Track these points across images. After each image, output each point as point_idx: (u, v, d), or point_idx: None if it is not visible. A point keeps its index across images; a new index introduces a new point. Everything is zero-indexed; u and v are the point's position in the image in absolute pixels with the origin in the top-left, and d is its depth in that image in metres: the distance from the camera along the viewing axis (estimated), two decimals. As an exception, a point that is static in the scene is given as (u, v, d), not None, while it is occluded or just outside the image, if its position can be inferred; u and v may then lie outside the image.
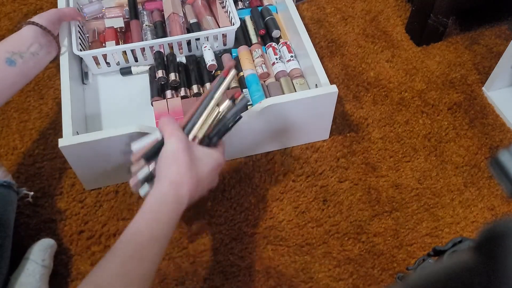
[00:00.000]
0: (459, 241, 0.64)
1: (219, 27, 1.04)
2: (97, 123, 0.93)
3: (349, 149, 0.94)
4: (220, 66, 1.00)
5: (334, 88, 0.84)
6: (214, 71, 0.99)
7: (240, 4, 1.13)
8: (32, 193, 0.80)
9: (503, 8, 1.18)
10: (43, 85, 1.01)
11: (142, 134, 0.78)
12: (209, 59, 0.98)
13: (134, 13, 1.05)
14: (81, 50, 0.94)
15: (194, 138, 0.68)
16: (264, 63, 0.99)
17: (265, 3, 1.12)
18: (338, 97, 0.86)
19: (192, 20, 1.05)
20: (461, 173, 0.91)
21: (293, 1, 1.04)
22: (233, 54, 1.03)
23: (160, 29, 1.03)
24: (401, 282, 0.71)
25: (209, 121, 0.69)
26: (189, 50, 1.02)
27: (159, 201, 0.60)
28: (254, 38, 1.05)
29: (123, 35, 1.05)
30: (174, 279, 0.78)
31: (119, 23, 1.04)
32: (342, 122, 0.98)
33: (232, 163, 0.91)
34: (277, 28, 1.03)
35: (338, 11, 1.18)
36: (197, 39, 1.00)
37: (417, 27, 1.10)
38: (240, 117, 0.70)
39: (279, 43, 1.02)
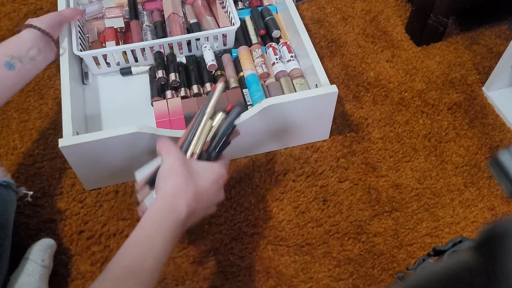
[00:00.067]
0: (459, 241, 0.64)
1: (219, 27, 1.04)
2: (97, 123, 0.93)
3: (349, 149, 0.94)
4: (220, 66, 1.00)
5: (334, 88, 0.84)
6: (214, 71, 0.99)
7: (240, 4, 1.13)
8: (31, 192, 0.79)
9: (503, 8, 1.18)
10: (43, 85, 1.01)
11: (142, 134, 0.78)
12: (209, 59, 0.98)
13: (134, 13, 1.05)
14: (81, 50, 0.94)
15: (192, 154, 0.68)
16: (264, 63, 0.99)
17: (265, 3, 1.12)
18: (338, 97, 0.86)
19: (192, 20, 1.05)
20: (461, 173, 0.91)
21: (293, 1, 1.05)
22: (233, 54, 1.03)
23: (160, 29, 1.03)
24: (401, 282, 0.71)
25: (204, 136, 0.69)
26: (189, 50, 1.02)
27: (154, 215, 0.60)
28: (254, 38, 1.05)
29: (123, 35, 1.05)
30: (174, 279, 0.78)
31: (119, 23, 1.04)
32: (342, 122, 0.98)
33: (232, 163, 0.91)
34: (277, 28, 1.03)
35: (338, 11, 1.18)
36: (197, 39, 1.00)
37: (417, 27, 1.10)
38: (234, 126, 0.69)
39: (279, 43, 1.02)
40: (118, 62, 0.99)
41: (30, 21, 0.83)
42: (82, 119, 0.92)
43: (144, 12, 1.07)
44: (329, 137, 0.95)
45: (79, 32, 0.97)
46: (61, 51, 0.90)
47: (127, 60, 0.99)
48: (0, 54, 0.76)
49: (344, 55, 1.09)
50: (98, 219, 0.84)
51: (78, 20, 0.98)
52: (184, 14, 1.07)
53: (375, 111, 1.00)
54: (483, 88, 1.04)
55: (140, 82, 1.00)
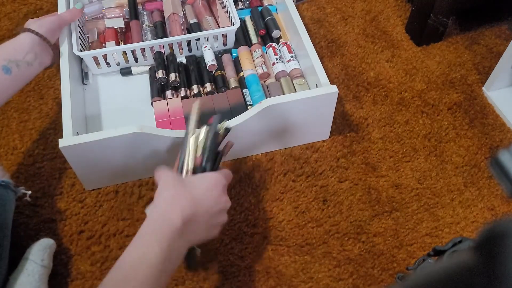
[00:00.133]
0: (459, 241, 0.64)
1: (219, 27, 1.04)
2: (97, 124, 0.93)
3: (349, 149, 0.94)
4: (220, 66, 1.00)
5: (334, 88, 0.84)
6: (214, 71, 0.99)
7: (240, 4, 1.14)
8: (30, 192, 0.79)
9: (503, 8, 1.18)
10: (43, 85, 1.01)
11: (142, 135, 0.78)
12: (209, 59, 0.98)
13: (134, 13, 1.05)
14: (81, 51, 0.94)
15: (187, 172, 0.69)
16: (264, 63, 0.99)
17: (265, 3, 1.12)
18: (338, 97, 0.86)
19: (192, 20, 1.05)
20: (461, 173, 0.91)
21: (293, 1, 1.05)
22: (233, 54, 1.03)
23: (160, 29, 1.03)
24: (401, 282, 0.71)
25: (193, 153, 0.70)
26: (189, 50, 1.02)
27: (148, 225, 0.60)
28: (254, 38, 1.05)
29: (123, 35, 1.05)
30: (174, 279, 0.78)
31: (119, 23, 1.04)
32: (342, 122, 0.98)
33: (232, 163, 0.91)
34: (277, 28, 1.03)
35: (338, 11, 1.18)
36: (197, 39, 1.00)
37: (417, 27, 1.10)
38: (217, 135, 0.71)
39: (279, 43, 1.02)
40: (118, 62, 0.99)
41: (29, 24, 0.83)
42: (82, 119, 0.92)
43: (144, 12, 1.07)
44: (329, 137, 0.95)
45: (79, 32, 0.97)
46: (61, 52, 0.90)
47: (127, 60, 0.99)
48: None
49: (344, 55, 1.09)
50: (98, 219, 0.84)
51: (78, 20, 0.98)
52: (184, 14, 1.07)
53: (375, 111, 1.00)
54: (483, 88, 1.04)
55: (140, 82, 1.00)
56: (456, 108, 1.00)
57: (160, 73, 0.95)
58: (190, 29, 1.04)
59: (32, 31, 0.81)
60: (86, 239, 0.82)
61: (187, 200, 0.61)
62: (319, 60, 0.90)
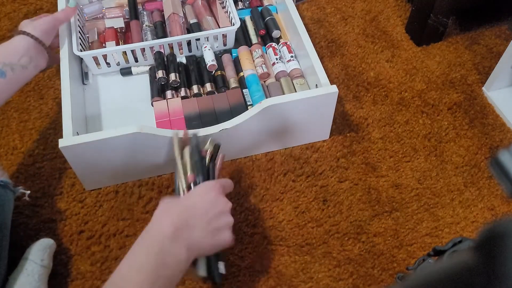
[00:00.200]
0: (459, 241, 0.64)
1: (219, 27, 1.04)
2: (97, 124, 0.93)
3: (349, 149, 0.94)
4: (220, 66, 1.00)
5: (334, 88, 0.84)
6: (214, 71, 0.99)
7: (240, 4, 1.13)
8: (28, 191, 0.79)
9: (503, 8, 1.18)
10: (43, 85, 1.01)
11: (142, 135, 0.78)
12: (209, 59, 0.98)
13: (134, 13, 1.05)
14: (81, 51, 0.94)
15: (183, 192, 0.71)
16: (264, 63, 0.99)
17: (265, 3, 1.12)
18: (338, 97, 0.86)
19: (192, 20, 1.05)
20: (461, 173, 0.91)
21: (293, 1, 1.05)
22: (233, 54, 1.03)
23: (160, 30, 1.03)
24: (401, 282, 0.71)
25: (183, 174, 0.72)
26: (189, 50, 1.02)
27: (140, 237, 0.61)
28: (254, 38, 1.05)
29: (123, 35, 1.05)
30: (174, 279, 0.78)
31: (119, 23, 1.04)
32: (342, 122, 0.98)
33: (232, 163, 0.91)
34: (277, 28, 1.03)
35: (338, 11, 1.18)
36: (197, 40, 1.00)
37: (417, 27, 1.10)
38: (199, 150, 0.73)
39: (279, 43, 1.02)
40: (118, 62, 0.99)
41: (23, 26, 0.82)
42: (82, 119, 0.92)
43: (144, 12, 1.07)
44: (329, 137, 0.95)
45: (79, 32, 0.97)
46: (61, 52, 0.90)
47: (127, 60, 0.99)
48: None
49: (344, 55, 1.09)
50: (98, 219, 0.84)
51: (78, 20, 0.98)
52: (184, 14, 1.07)
53: (375, 111, 1.00)
54: (483, 88, 1.04)
55: (140, 82, 1.00)
56: (456, 108, 1.00)
57: (160, 73, 0.95)
58: (190, 29, 1.04)
59: (27, 34, 0.80)
60: (86, 239, 0.82)
61: (178, 207, 0.63)
62: (319, 60, 0.90)
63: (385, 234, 0.83)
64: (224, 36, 1.02)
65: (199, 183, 0.71)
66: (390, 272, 0.79)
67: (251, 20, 1.08)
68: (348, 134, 0.96)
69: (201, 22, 1.05)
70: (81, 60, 0.99)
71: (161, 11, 1.07)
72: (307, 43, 0.93)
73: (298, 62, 0.99)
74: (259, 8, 1.09)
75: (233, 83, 0.97)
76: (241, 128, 0.83)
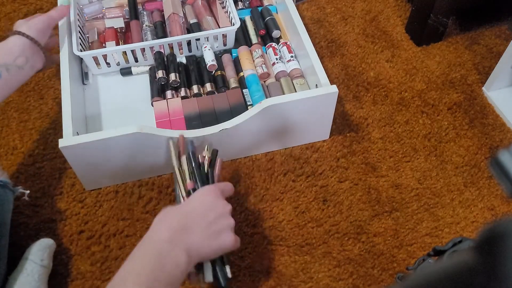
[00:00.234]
0: (459, 241, 0.64)
1: (219, 27, 1.04)
2: (97, 124, 0.93)
3: (349, 149, 0.94)
4: (220, 66, 1.00)
5: (334, 88, 0.84)
6: (214, 71, 0.99)
7: (240, 4, 1.13)
8: (28, 191, 0.79)
9: (503, 8, 1.18)
10: (43, 85, 1.01)
11: (142, 135, 0.78)
12: (209, 59, 0.98)
13: (134, 13, 1.05)
14: (81, 51, 0.94)
15: (183, 199, 0.71)
16: (264, 63, 0.99)
17: (265, 3, 1.12)
18: (338, 97, 0.86)
19: (192, 20, 1.05)
20: (461, 173, 0.91)
21: (293, 1, 1.05)
22: (233, 54, 1.03)
23: (160, 30, 1.03)
24: (401, 282, 0.71)
25: (182, 182, 0.73)
26: (189, 50, 1.02)
27: (139, 243, 0.61)
28: (254, 38, 1.05)
29: (123, 35, 1.05)
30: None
31: (119, 23, 1.04)
32: (342, 122, 0.98)
33: (232, 163, 0.91)
34: (277, 28, 1.03)
35: (338, 11, 1.18)
36: (197, 40, 1.00)
37: (417, 27, 1.10)
38: (195, 157, 0.74)
39: (279, 43, 1.02)
40: (118, 62, 0.99)
41: (18, 26, 0.81)
42: (82, 119, 0.92)
43: (144, 12, 1.07)
44: (329, 137, 0.95)
45: (79, 32, 0.97)
46: (61, 53, 0.90)
47: (127, 60, 0.99)
48: None
49: (344, 55, 1.09)
50: (98, 219, 0.84)
51: (78, 20, 0.98)
52: (184, 14, 1.07)
53: (375, 111, 1.00)
54: (483, 88, 1.04)
55: (140, 82, 1.00)
56: (456, 108, 1.00)
57: (160, 73, 0.95)
58: (190, 29, 1.04)
59: (22, 34, 0.79)
60: (86, 239, 0.82)
61: (175, 213, 0.63)
62: (319, 60, 0.90)
63: (385, 234, 0.83)
64: (224, 36, 1.02)
65: (195, 189, 0.71)
66: (390, 272, 0.79)
67: (251, 20, 1.08)
68: (348, 134, 0.96)
69: (201, 22, 1.05)
70: (81, 60, 0.99)
71: (161, 11, 1.07)
72: (307, 43, 0.93)
73: (298, 62, 0.99)
74: (259, 8, 1.09)
75: (233, 83, 0.97)
76: (241, 128, 0.84)
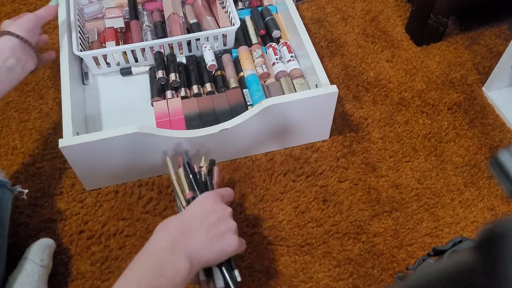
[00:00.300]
0: (459, 241, 0.64)
1: (219, 27, 1.04)
2: (97, 124, 0.93)
3: (349, 149, 0.94)
4: (220, 66, 1.00)
5: (334, 88, 0.84)
6: (214, 71, 0.99)
7: (240, 4, 1.13)
8: (26, 190, 0.78)
9: (503, 8, 1.18)
10: (43, 85, 1.01)
11: (142, 135, 0.78)
12: (209, 59, 0.98)
13: (134, 13, 1.05)
14: (81, 51, 0.94)
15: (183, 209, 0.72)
16: (264, 63, 0.99)
17: (265, 3, 1.12)
18: (338, 97, 0.86)
19: (192, 20, 1.05)
20: (461, 173, 0.91)
21: (293, 1, 1.05)
22: (233, 54, 1.03)
23: (160, 30, 1.03)
24: (401, 282, 0.71)
25: (181, 193, 0.73)
26: (189, 50, 1.02)
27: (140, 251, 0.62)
28: (254, 38, 1.05)
29: (123, 35, 1.05)
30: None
31: (119, 23, 1.04)
32: (342, 122, 0.98)
33: (232, 163, 0.91)
34: (277, 28, 1.03)
35: (338, 11, 1.18)
36: (197, 40, 1.00)
37: (417, 27, 1.10)
38: (191, 167, 0.74)
39: (279, 43, 1.02)
40: (118, 62, 0.99)
41: (6, 26, 0.78)
42: (82, 119, 0.92)
43: (144, 12, 1.07)
44: (329, 137, 0.95)
45: (79, 32, 0.97)
46: (61, 53, 0.90)
47: (127, 60, 0.99)
48: None
49: (344, 55, 1.09)
50: (98, 219, 0.84)
51: (78, 20, 0.98)
52: (184, 14, 1.07)
53: (375, 111, 1.00)
54: (483, 88, 1.04)
55: (140, 82, 1.00)
56: (456, 108, 1.00)
57: (160, 73, 0.95)
58: (190, 29, 1.04)
59: (12, 34, 0.76)
60: (86, 239, 0.82)
61: (174, 221, 0.63)
62: (319, 60, 0.90)
63: (385, 234, 0.83)
64: (224, 36, 1.02)
65: (195, 197, 0.71)
66: (390, 272, 0.79)
67: (251, 20, 1.08)
68: (348, 134, 0.96)
69: (201, 22, 1.05)
70: (81, 60, 0.99)
71: (161, 11, 1.07)
72: (307, 43, 0.93)
73: (298, 62, 0.99)
74: (259, 8, 1.09)
75: (233, 83, 0.97)
76: (241, 128, 0.84)
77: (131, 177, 0.88)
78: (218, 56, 1.02)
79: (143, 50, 0.98)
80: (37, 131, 0.94)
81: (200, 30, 1.03)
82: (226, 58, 1.02)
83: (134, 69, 1.00)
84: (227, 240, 0.64)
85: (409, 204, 0.87)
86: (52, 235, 0.81)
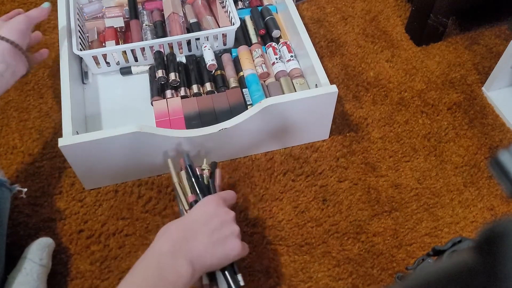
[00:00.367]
0: (459, 241, 0.64)
1: (219, 27, 1.04)
2: (97, 123, 0.93)
3: (349, 149, 0.94)
4: (220, 65, 1.00)
5: (334, 88, 0.84)
6: (214, 71, 0.99)
7: (240, 4, 1.13)
8: (25, 189, 0.78)
9: (503, 8, 1.18)
10: (43, 84, 1.01)
11: (142, 134, 0.78)
12: (209, 59, 0.98)
13: (134, 12, 1.05)
14: (81, 50, 0.94)
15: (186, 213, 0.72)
16: (264, 63, 0.99)
17: (265, 3, 1.12)
18: (337, 97, 0.86)
19: (192, 20, 1.05)
20: (461, 173, 0.91)
21: (293, 1, 1.04)
22: (233, 54, 1.03)
23: (160, 29, 1.03)
24: (400, 282, 0.71)
25: (184, 196, 0.73)
26: (189, 50, 1.02)
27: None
28: (254, 38, 1.05)
29: (123, 34, 1.05)
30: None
31: (119, 22, 1.04)
32: (341, 122, 0.98)
33: (232, 162, 0.91)
34: (277, 28, 1.03)
35: (338, 11, 1.18)
36: (197, 39, 1.00)
37: (417, 27, 1.10)
38: (193, 170, 0.74)
39: (279, 43, 1.02)
40: (118, 61, 0.99)
41: None
42: (82, 119, 0.92)
43: (144, 12, 1.07)
44: (329, 137, 0.95)
45: (79, 31, 0.96)
46: (61, 53, 0.90)
47: (127, 60, 0.99)
48: None
49: (344, 55, 1.09)
50: (98, 218, 0.84)
51: (78, 19, 0.98)
52: (184, 13, 1.07)
53: (374, 111, 1.00)
54: (482, 88, 1.04)
55: (140, 82, 1.00)
56: (456, 108, 1.00)
57: (160, 73, 0.95)
58: (190, 28, 1.04)
59: (2, 38, 0.74)
60: (86, 238, 0.82)
61: (176, 225, 0.63)
62: (318, 60, 0.90)
63: (385, 234, 0.84)
64: (224, 35, 1.02)
65: (197, 201, 0.71)
66: (389, 272, 0.79)
67: (251, 19, 1.08)
68: (347, 134, 0.96)
69: (201, 21, 1.05)
70: (81, 59, 0.99)
71: (161, 11, 1.07)
72: (307, 43, 0.93)
73: (298, 61, 0.99)
74: (259, 8, 1.09)
75: (232, 82, 0.97)
76: (240, 128, 0.84)
77: (131, 177, 0.88)
78: (218, 55, 1.02)
79: (143, 49, 0.98)
80: (37, 130, 0.94)
81: (200, 29, 1.03)
82: (226, 57, 1.02)
83: (134, 69, 1.00)
84: (230, 244, 0.63)
85: (409, 204, 0.87)
86: (52, 234, 0.81)
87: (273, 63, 0.99)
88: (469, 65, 1.08)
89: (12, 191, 0.77)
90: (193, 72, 0.99)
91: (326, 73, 0.88)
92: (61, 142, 0.76)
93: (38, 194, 0.86)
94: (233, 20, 1.00)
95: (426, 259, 0.67)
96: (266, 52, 1.03)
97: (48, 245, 0.76)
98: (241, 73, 0.99)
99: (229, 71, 0.99)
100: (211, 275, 0.66)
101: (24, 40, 0.77)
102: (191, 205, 0.70)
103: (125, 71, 1.00)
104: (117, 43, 1.01)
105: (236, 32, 1.02)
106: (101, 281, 0.77)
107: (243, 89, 0.96)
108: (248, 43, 1.05)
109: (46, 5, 0.84)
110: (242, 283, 0.66)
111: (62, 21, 0.94)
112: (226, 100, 0.94)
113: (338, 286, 0.78)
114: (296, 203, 0.87)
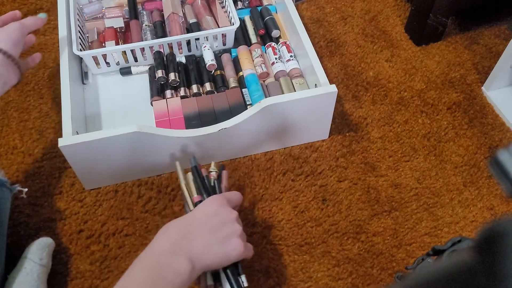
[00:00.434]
0: (458, 241, 0.64)
1: (219, 27, 1.04)
2: (97, 123, 0.93)
3: (349, 148, 0.94)
4: (219, 65, 1.00)
5: (333, 88, 0.84)
6: (213, 71, 0.99)
7: (240, 4, 1.14)
8: (26, 189, 0.78)
9: (503, 8, 1.18)
10: (43, 84, 1.01)
11: (141, 134, 0.78)
12: (209, 59, 0.98)
13: (134, 13, 1.05)
14: (81, 50, 0.94)
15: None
16: (263, 63, 0.99)
17: (265, 3, 1.12)
18: (337, 97, 0.86)
19: (192, 20, 1.05)
20: (461, 173, 0.91)
21: (293, 1, 1.05)
22: (233, 54, 1.03)
23: (160, 29, 1.03)
24: (400, 281, 0.71)
25: (189, 197, 0.73)
26: (189, 50, 1.02)
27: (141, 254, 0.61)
28: (253, 38, 1.05)
29: (123, 35, 1.05)
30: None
31: (119, 23, 1.04)
32: (341, 121, 0.98)
33: (231, 162, 0.91)
34: (277, 28, 1.03)
35: (337, 10, 1.18)
36: (197, 39, 1.00)
37: (416, 26, 1.10)
38: (199, 171, 0.74)
39: (279, 43, 1.02)
40: (118, 62, 0.99)
41: None
42: (82, 119, 0.92)
43: (144, 12, 1.07)
44: (329, 136, 0.95)
45: (79, 32, 0.97)
46: (60, 53, 0.90)
47: (126, 60, 0.99)
48: None
49: (344, 54, 1.09)
50: (98, 218, 0.84)
51: (78, 20, 0.98)
52: (184, 14, 1.07)
53: (374, 111, 1.00)
54: (482, 87, 1.04)
55: (140, 82, 1.00)
56: (456, 108, 1.01)
57: (159, 73, 0.95)
58: (189, 28, 1.04)
59: None
60: (86, 238, 0.82)
61: (176, 224, 0.63)
62: (318, 60, 0.90)
63: (384, 233, 0.84)
64: (224, 35, 1.02)
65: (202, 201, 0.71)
66: (389, 272, 0.80)
67: (251, 19, 1.08)
68: (347, 134, 0.96)
69: (201, 21, 1.05)
70: (80, 59, 0.99)
71: (160, 11, 1.07)
72: (307, 43, 0.93)
73: (298, 61, 0.99)
74: (259, 8, 1.09)
75: (232, 82, 0.97)
76: (240, 128, 0.84)
77: (131, 177, 0.88)
78: (217, 55, 1.02)
79: (142, 49, 0.98)
80: (37, 131, 0.94)
81: (199, 29, 1.03)
82: (225, 57, 1.02)
83: (133, 69, 1.00)
84: (231, 244, 0.63)
85: (409, 204, 0.87)
86: (52, 234, 0.81)
87: (273, 63, 0.99)
88: (468, 64, 1.08)
89: (12, 191, 0.77)
90: (192, 72, 0.99)
91: (326, 73, 0.88)
92: (61, 142, 0.76)
93: (38, 194, 0.86)
94: (232, 20, 1.00)
95: (426, 258, 0.67)
96: (265, 52, 1.03)
97: (48, 245, 0.76)
98: (241, 73, 0.99)
99: (229, 71, 0.99)
100: (216, 276, 0.66)
101: (17, 49, 0.75)
102: (196, 206, 0.71)
103: (125, 71, 1.00)
104: (117, 44, 1.01)
105: (236, 32, 1.02)
106: (101, 281, 0.77)
107: (243, 89, 0.96)
108: (248, 43, 1.05)
109: (43, 15, 0.82)
110: (245, 284, 0.66)
111: (62, 22, 0.94)
112: (225, 100, 0.94)
113: (338, 286, 0.78)
114: (295, 203, 0.87)
